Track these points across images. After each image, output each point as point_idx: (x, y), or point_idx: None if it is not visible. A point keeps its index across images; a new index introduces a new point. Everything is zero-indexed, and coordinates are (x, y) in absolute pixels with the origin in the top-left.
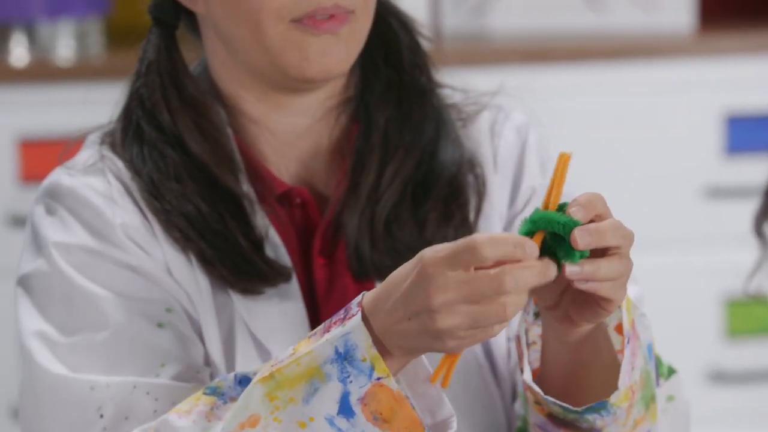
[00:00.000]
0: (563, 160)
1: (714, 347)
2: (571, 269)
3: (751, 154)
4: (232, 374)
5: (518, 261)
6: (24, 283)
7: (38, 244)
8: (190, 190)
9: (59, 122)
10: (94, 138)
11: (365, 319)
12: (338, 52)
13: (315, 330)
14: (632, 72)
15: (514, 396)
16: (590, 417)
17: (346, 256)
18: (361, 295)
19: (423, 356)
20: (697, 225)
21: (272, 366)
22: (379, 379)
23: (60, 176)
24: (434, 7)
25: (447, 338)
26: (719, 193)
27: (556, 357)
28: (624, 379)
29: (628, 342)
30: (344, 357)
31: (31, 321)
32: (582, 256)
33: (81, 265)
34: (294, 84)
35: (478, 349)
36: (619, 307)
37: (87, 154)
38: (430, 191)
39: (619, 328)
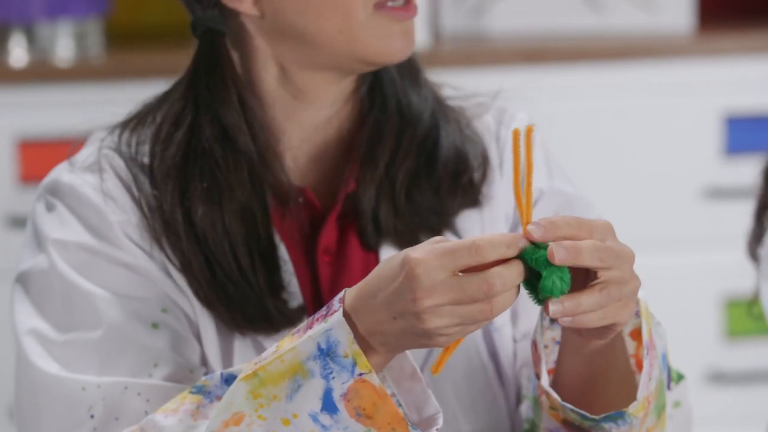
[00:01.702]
0: (516, 137)
1: (713, 348)
2: (553, 309)
3: (750, 154)
4: (218, 373)
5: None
6: (22, 279)
7: (38, 241)
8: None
9: (59, 123)
10: (101, 134)
11: (347, 315)
12: (413, 35)
13: (298, 327)
14: (632, 72)
15: (518, 397)
16: (606, 425)
17: (357, 237)
18: (343, 292)
19: (408, 352)
20: (696, 225)
21: (256, 363)
22: (361, 374)
23: (61, 173)
24: (434, 7)
25: (435, 336)
26: (718, 193)
27: (572, 365)
28: (642, 390)
29: (647, 353)
30: (326, 353)
31: (27, 318)
32: (562, 291)
33: (78, 264)
34: (363, 68)
35: (482, 350)
36: (638, 314)
37: (88, 151)
38: (438, 157)
39: (634, 334)
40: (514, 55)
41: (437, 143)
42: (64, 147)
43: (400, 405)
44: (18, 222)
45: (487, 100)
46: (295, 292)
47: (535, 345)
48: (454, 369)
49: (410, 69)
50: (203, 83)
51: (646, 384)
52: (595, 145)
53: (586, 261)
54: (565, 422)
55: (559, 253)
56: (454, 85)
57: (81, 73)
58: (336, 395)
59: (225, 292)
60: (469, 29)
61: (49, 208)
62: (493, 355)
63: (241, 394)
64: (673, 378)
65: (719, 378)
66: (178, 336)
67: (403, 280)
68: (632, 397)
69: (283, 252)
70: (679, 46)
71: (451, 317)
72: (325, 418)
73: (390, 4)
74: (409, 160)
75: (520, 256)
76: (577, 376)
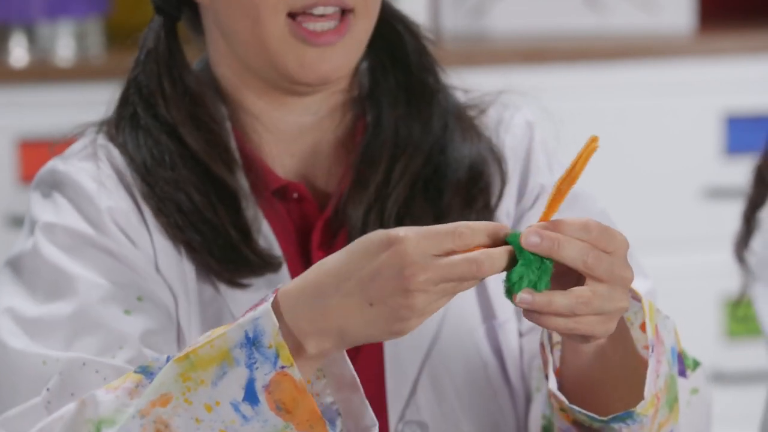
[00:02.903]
0: (591, 147)
1: (713, 348)
2: (522, 296)
3: (750, 154)
4: (165, 355)
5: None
6: (10, 262)
7: (30, 227)
8: (183, 178)
9: (59, 122)
10: (91, 129)
11: (276, 305)
12: (336, 59)
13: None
14: (632, 72)
15: (527, 392)
16: (616, 426)
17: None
18: (281, 284)
19: (348, 360)
20: (696, 225)
21: (189, 347)
22: (283, 367)
23: (55, 163)
24: (434, 7)
25: (415, 318)
26: (718, 193)
27: (574, 366)
28: (650, 388)
29: (652, 351)
30: (252, 342)
31: (4, 297)
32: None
33: (62, 245)
34: (291, 86)
35: (485, 347)
36: (643, 309)
37: (82, 143)
38: (445, 182)
39: (644, 327)
40: (514, 55)
41: (442, 168)
42: (65, 147)
43: (339, 414)
44: (18, 222)
45: (490, 97)
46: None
47: (542, 346)
48: (453, 367)
49: (422, 94)
50: (151, 72)
51: (654, 381)
52: None
53: (566, 257)
54: (575, 422)
55: (529, 239)
56: (458, 84)
57: (81, 73)
58: (258, 386)
59: (202, 238)
60: (469, 29)
61: (45, 195)
62: (497, 351)
63: (172, 376)
64: (689, 365)
65: (719, 378)
66: (150, 326)
67: (388, 258)
68: (641, 394)
69: (273, 244)
70: (679, 46)
71: (438, 295)
72: (246, 409)
73: (311, 27)
74: (401, 190)
75: (508, 241)
76: (581, 376)
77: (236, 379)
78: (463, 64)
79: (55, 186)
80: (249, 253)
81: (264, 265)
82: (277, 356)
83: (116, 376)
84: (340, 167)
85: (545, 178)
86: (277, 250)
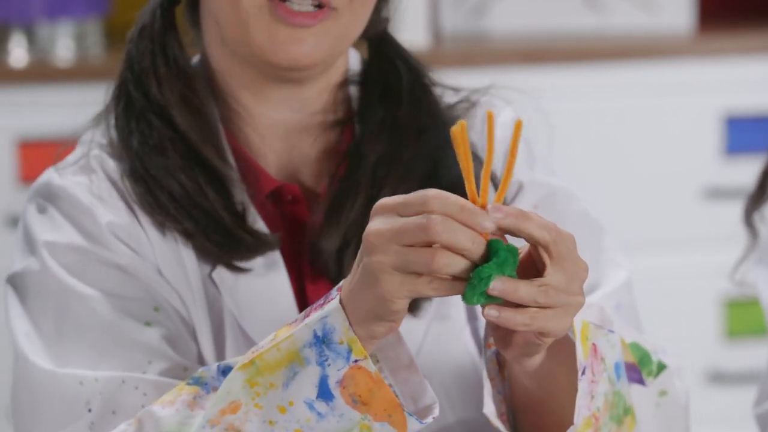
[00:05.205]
0: (517, 128)
1: (713, 348)
2: (494, 284)
3: (750, 154)
4: (215, 365)
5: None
6: (14, 281)
7: (29, 244)
8: (173, 163)
9: (58, 123)
10: (86, 136)
11: (342, 303)
12: (307, 43)
13: (296, 317)
14: (632, 73)
15: None
16: None
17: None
18: (341, 282)
19: (404, 341)
20: (695, 226)
21: (253, 352)
22: (356, 361)
23: (51, 176)
24: (433, 7)
25: (381, 275)
26: (718, 193)
27: (519, 387)
28: (582, 411)
29: (583, 373)
30: (322, 340)
31: (22, 320)
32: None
33: (70, 265)
34: (268, 69)
35: (472, 346)
36: (574, 330)
37: (77, 154)
38: None
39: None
40: (514, 55)
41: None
42: (67, 153)
43: (396, 395)
44: (17, 222)
45: (475, 96)
46: (285, 290)
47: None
48: (443, 367)
49: (409, 131)
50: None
51: (587, 404)
52: (595, 145)
53: (532, 231)
54: None
55: (494, 214)
56: (450, 84)
57: (81, 73)
58: (332, 382)
59: (197, 224)
60: (469, 29)
61: (41, 210)
62: (482, 347)
63: (238, 383)
64: (652, 372)
65: (719, 378)
66: (170, 334)
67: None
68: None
69: (262, 226)
70: (679, 46)
71: (395, 255)
72: (320, 406)
73: (294, 5)
74: None
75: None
76: (526, 398)
77: (308, 377)
78: (463, 65)
79: (50, 199)
80: (243, 234)
81: (260, 243)
82: (350, 351)
83: (155, 390)
84: (324, 173)
85: (524, 175)
86: (267, 230)
